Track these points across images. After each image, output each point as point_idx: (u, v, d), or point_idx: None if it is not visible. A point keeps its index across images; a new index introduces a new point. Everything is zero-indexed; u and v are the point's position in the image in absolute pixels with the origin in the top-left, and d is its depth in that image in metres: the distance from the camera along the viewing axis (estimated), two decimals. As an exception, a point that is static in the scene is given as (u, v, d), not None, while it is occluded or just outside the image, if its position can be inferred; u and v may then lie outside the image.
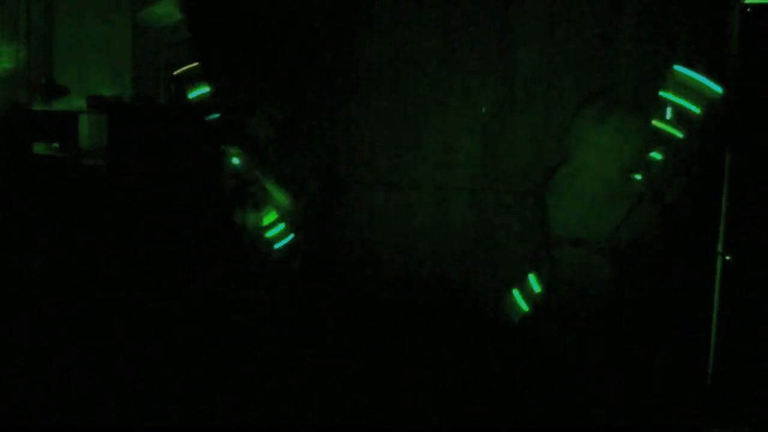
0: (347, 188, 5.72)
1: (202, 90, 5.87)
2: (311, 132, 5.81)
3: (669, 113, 4.71)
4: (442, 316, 5.34)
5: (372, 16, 5.62)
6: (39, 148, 7.04)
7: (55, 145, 7.01)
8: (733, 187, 4.68)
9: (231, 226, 5.45)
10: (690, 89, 4.54)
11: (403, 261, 5.51)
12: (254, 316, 4.78)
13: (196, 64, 5.83)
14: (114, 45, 7.06)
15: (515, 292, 4.68)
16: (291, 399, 4.39)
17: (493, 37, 5.36)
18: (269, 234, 5.43)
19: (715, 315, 4.72)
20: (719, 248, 4.63)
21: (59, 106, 7.15)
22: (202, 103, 5.95)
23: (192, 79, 5.91)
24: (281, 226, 5.52)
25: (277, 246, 5.37)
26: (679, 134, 4.67)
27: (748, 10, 4.62)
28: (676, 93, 4.64)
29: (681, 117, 4.68)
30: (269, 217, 5.41)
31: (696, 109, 4.61)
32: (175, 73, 5.07)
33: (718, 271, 4.69)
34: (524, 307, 4.69)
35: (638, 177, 4.44)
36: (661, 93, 4.71)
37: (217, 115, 5.82)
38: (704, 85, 4.43)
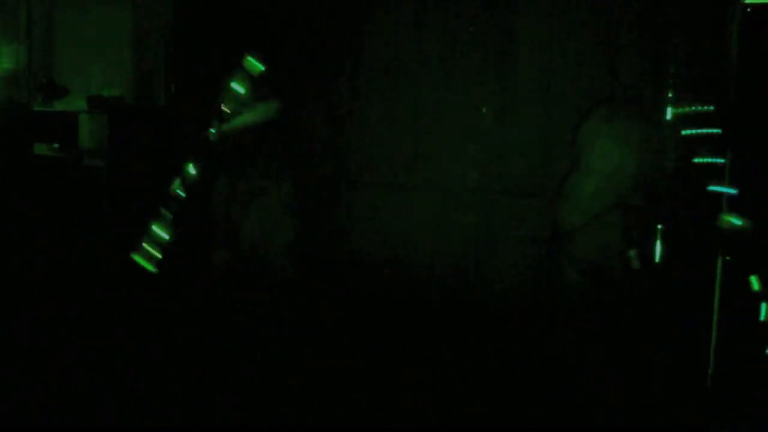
0: (347, 188, 5.73)
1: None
2: (311, 132, 5.82)
3: (669, 113, 4.72)
4: (442, 316, 5.35)
5: (372, 16, 5.62)
6: (39, 148, 7.05)
7: (56, 145, 7.02)
8: (733, 186, 4.67)
9: (230, 226, 5.44)
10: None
11: (403, 261, 5.52)
12: (254, 316, 4.77)
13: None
14: (114, 45, 7.06)
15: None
16: (291, 399, 4.38)
17: (493, 38, 5.36)
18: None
19: (715, 315, 4.71)
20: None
21: (59, 106, 7.16)
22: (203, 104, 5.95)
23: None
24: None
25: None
26: (679, 134, 4.67)
27: (749, 9, 4.62)
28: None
29: (681, 117, 4.68)
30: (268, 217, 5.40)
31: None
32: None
33: (719, 271, 4.68)
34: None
35: (639, 178, 4.43)
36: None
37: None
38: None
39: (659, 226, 4.55)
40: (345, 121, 5.75)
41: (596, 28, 5.09)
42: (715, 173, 4.73)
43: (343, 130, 5.77)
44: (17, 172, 6.89)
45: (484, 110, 5.39)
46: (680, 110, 4.64)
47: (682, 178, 4.74)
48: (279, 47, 5.74)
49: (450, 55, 5.49)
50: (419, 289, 5.45)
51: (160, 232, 4.44)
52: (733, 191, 3.91)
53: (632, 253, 4.02)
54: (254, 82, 4.65)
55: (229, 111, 4.73)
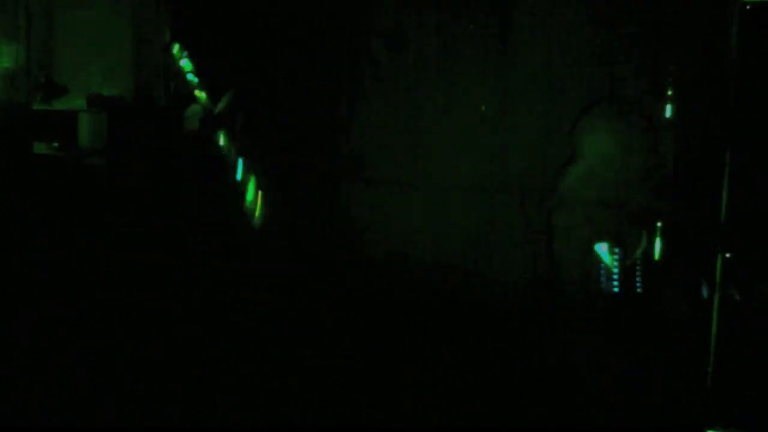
0: (348, 187, 5.72)
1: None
2: (312, 131, 5.82)
3: (669, 111, 4.72)
4: (442, 315, 5.34)
5: (372, 15, 5.62)
6: (39, 147, 7.05)
7: (55, 144, 7.02)
8: (733, 185, 4.67)
9: (231, 226, 5.45)
10: None
11: (403, 260, 5.51)
12: (254, 316, 4.77)
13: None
14: (114, 44, 7.05)
15: None
16: (291, 399, 4.38)
17: (493, 37, 5.36)
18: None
19: (715, 314, 4.70)
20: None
21: (59, 105, 7.15)
22: (204, 104, 5.97)
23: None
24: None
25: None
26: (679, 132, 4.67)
27: (748, 7, 4.61)
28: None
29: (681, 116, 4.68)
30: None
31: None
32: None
33: (718, 269, 4.67)
34: None
35: (641, 177, 4.43)
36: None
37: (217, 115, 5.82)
38: None
39: (658, 224, 4.55)
40: (344, 119, 5.75)
41: (596, 26, 5.09)
42: (714, 172, 4.74)
43: (343, 128, 5.76)
44: (17, 172, 6.88)
45: (483, 108, 5.39)
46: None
47: (681, 177, 4.75)
48: (279, 48, 5.74)
49: (450, 54, 5.49)
50: (419, 288, 5.45)
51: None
52: None
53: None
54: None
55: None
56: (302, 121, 5.76)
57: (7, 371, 4.62)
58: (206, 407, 4.27)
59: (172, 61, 5.28)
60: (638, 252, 4.06)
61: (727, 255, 4.57)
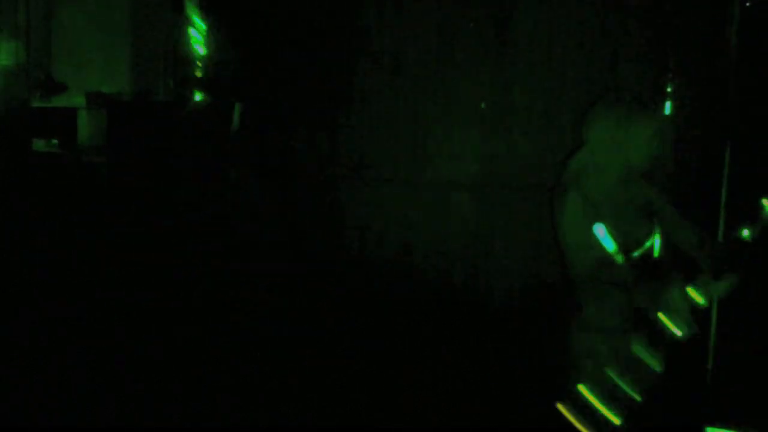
0: (348, 186, 5.71)
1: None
2: (311, 130, 5.81)
3: (668, 108, 4.72)
4: (442, 316, 5.33)
5: (372, 13, 5.61)
6: (38, 144, 7.05)
7: (54, 141, 7.02)
8: (732, 184, 4.67)
9: (231, 225, 5.45)
10: None
11: (403, 260, 5.51)
12: (254, 316, 4.77)
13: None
14: (113, 41, 7.06)
15: None
16: (291, 399, 4.39)
17: (493, 33, 5.36)
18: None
19: (714, 312, 4.71)
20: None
21: (58, 102, 7.16)
22: (202, 101, 5.96)
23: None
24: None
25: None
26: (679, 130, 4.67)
27: (747, 4, 4.61)
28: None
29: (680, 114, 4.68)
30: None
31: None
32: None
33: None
34: None
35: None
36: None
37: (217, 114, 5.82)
38: None
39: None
40: (343, 118, 5.74)
41: (596, 22, 5.09)
42: (714, 170, 4.74)
43: (342, 127, 5.75)
44: (16, 169, 6.88)
45: (483, 105, 5.39)
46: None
47: (680, 174, 4.75)
48: (279, 46, 5.73)
49: (449, 52, 5.49)
50: (419, 288, 5.44)
51: None
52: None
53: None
54: None
55: None
56: (301, 119, 5.75)
57: (6, 371, 4.62)
58: (206, 407, 4.27)
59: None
60: (646, 244, 4.02)
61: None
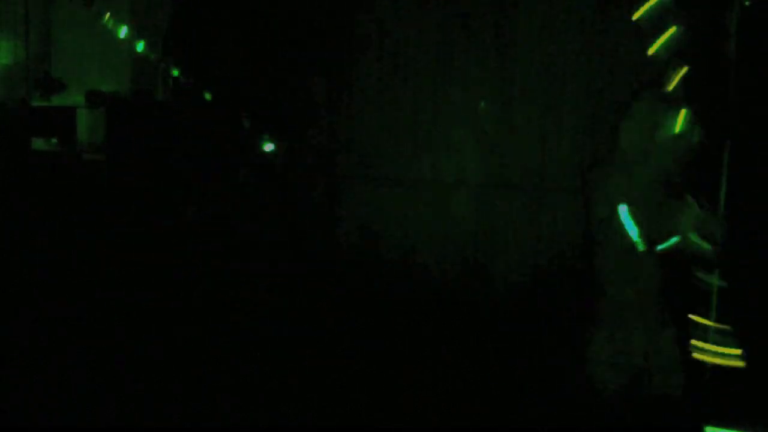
0: (348, 185, 5.72)
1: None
2: (312, 130, 5.81)
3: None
4: (442, 314, 5.33)
5: (372, 13, 5.61)
6: (37, 143, 7.05)
7: (54, 140, 7.02)
8: (731, 182, 4.66)
9: (231, 224, 5.45)
10: None
11: (401, 259, 5.51)
12: (254, 316, 4.77)
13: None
14: (112, 40, 7.04)
15: None
16: (291, 399, 4.38)
17: (492, 33, 5.35)
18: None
19: (713, 307, 4.69)
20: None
21: (58, 101, 7.15)
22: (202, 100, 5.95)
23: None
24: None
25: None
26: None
27: (747, 3, 4.59)
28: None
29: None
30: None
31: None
32: None
33: (716, 264, 4.65)
34: None
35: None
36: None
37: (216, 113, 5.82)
38: None
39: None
40: (342, 117, 5.74)
41: (595, 24, 5.09)
42: (712, 168, 4.73)
43: (341, 126, 5.76)
44: (15, 168, 6.88)
45: (482, 105, 5.39)
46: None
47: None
48: (279, 46, 5.73)
49: (449, 52, 5.48)
50: (419, 287, 5.45)
51: None
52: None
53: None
54: None
55: None
56: (302, 120, 5.76)
57: (6, 371, 4.61)
58: (206, 407, 4.27)
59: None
60: (671, 241, 4.02)
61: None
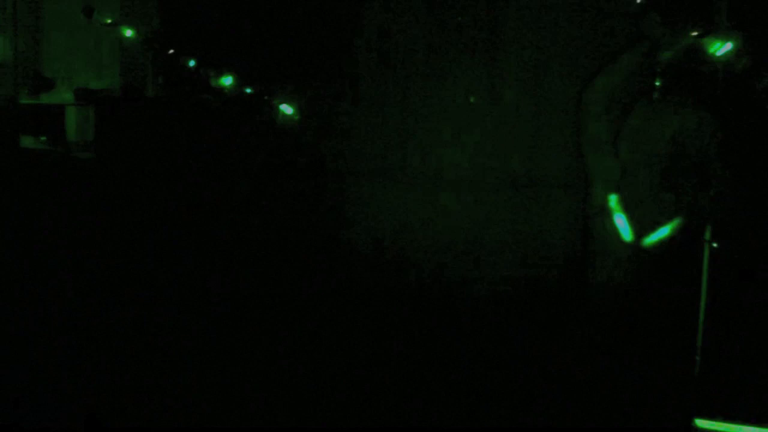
0: (336, 182, 5.72)
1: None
2: (298, 126, 5.81)
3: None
4: (440, 313, 5.32)
5: (363, 10, 5.61)
6: (26, 141, 7.02)
7: (43, 138, 6.99)
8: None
9: (225, 222, 5.45)
10: None
11: (397, 256, 5.51)
12: (248, 314, 4.78)
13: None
14: (102, 37, 7.01)
15: None
16: (291, 399, 4.39)
17: (482, 26, 5.36)
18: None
19: (702, 303, 4.74)
20: (706, 236, 4.64)
21: (46, 99, 7.12)
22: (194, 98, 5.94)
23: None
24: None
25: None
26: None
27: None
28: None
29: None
30: None
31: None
32: None
33: (706, 258, 4.70)
34: None
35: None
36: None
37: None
38: None
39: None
40: (335, 112, 5.74)
41: (586, 15, 5.11)
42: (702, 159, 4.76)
43: (333, 121, 5.75)
44: (3, 166, 6.84)
45: (472, 99, 5.40)
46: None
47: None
48: (269, 43, 5.72)
49: (439, 45, 5.49)
50: (415, 284, 5.45)
51: None
52: None
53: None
54: None
55: None
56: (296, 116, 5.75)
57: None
58: (206, 407, 4.27)
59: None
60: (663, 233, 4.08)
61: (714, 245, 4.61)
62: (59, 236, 6.21)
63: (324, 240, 5.62)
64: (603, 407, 4.36)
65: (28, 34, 7.24)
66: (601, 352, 4.58)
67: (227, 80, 5.26)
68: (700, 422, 4.40)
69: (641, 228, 4.07)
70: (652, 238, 4.15)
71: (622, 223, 4.09)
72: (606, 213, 4.16)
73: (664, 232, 4.15)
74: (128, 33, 6.15)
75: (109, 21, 6.07)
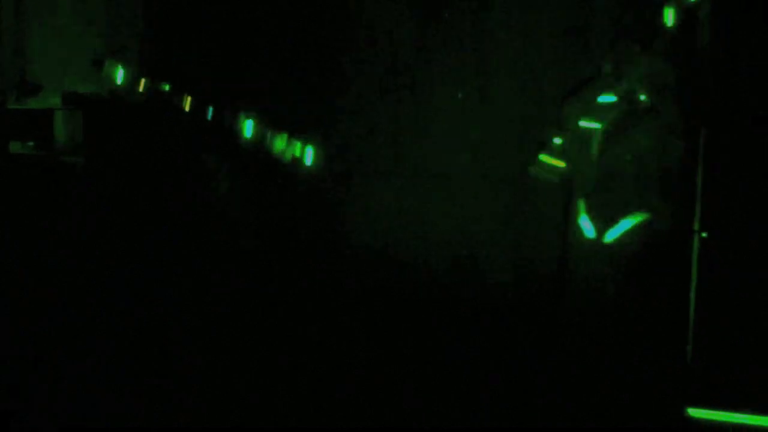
0: (332, 180, 5.72)
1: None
2: (293, 123, 5.81)
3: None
4: (438, 312, 5.31)
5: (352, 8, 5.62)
6: (14, 146, 6.99)
7: (31, 143, 6.96)
8: (707, 164, 4.73)
9: (214, 224, 5.45)
10: None
11: (394, 255, 5.52)
12: (241, 314, 4.78)
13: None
14: (88, 40, 6.98)
15: None
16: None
17: (467, 23, 5.38)
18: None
19: (693, 293, 4.77)
20: (696, 226, 4.68)
21: (34, 104, 7.09)
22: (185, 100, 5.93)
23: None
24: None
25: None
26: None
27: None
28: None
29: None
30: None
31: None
32: None
33: (695, 249, 4.73)
34: None
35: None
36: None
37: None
38: None
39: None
40: (330, 110, 5.74)
41: (573, 12, 5.14)
42: (688, 156, 4.80)
43: (329, 119, 5.76)
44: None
45: (460, 95, 5.42)
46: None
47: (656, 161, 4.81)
48: (266, 45, 5.71)
49: (425, 42, 5.51)
50: (412, 284, 5.45)
51: None
52: None
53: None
54: None
55: None
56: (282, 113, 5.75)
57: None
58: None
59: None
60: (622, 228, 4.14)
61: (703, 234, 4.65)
62: (49, 240, 6.19)
63: (322, 240, 5.63)
64: (595, 397, 4.40)
65: (15, 39, 7.20)
66: (592, 343, 4.62)
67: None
68: (693, 411, 4.43)
69: (606, 227, 4.19)
70: (612, 234, 4.25)
71: (586, 224, 4.21)
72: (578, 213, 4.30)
73: (624, 227, 4.25)
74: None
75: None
